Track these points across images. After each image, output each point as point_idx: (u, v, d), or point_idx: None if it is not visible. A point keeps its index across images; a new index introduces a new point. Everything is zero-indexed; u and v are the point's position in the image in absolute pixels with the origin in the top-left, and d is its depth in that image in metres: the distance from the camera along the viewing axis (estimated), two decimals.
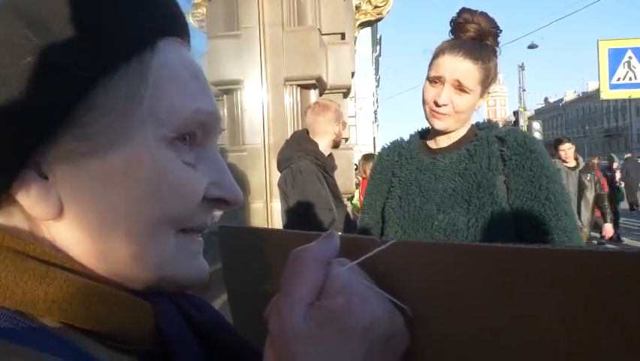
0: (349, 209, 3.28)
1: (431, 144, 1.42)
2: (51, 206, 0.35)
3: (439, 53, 1.34)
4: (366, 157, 6.19)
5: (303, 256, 0.37)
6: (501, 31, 1.37)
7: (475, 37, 1.33)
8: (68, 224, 0.37)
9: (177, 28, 0.41)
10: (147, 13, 0.38)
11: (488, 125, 1.39)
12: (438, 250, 0.36)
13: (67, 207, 0.36)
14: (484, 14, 1.36)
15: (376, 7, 5.38)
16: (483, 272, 0.32)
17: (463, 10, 1.36)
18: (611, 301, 0.26)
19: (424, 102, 1.36)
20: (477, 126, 1.40)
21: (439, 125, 1.34)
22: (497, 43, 1.38)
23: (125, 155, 0.37)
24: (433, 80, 1.33)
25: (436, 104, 1.31)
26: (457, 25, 1.36)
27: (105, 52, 0.35)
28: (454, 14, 1.37)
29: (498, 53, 1.37)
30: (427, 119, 1.37)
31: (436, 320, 0.36)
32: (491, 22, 1.35)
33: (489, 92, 1.38)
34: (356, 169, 5.67)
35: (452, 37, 1.37)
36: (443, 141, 1.39)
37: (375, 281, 0.37)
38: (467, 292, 0.34)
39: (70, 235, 0.37)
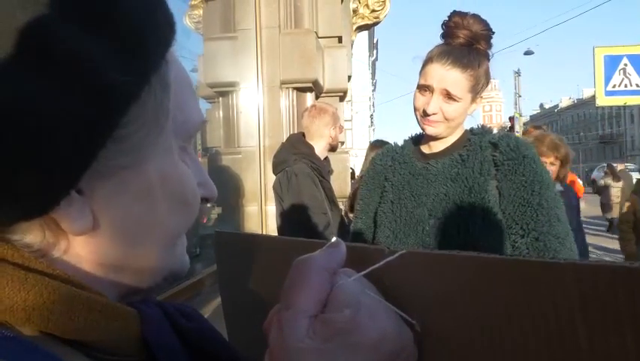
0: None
1: (424, 149, 1.42)
2: (87, 221, 0.33)
3: (427, 60, 1.33)
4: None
5: (306, 265, 0.35)
6: (494, 33, 1.34)
7: (464, 44, 1.31)
8: (97, 238, 0.34)
9: (175, 34, 0.38)
10: (164, 19, 0.36)
11: (482, 131, 1.38)
12: (448, 261, 0.34)
13: (101, 221, 0.34)
14: (475, 16, 1.33)
15: (373, 10, 5.39)
16: (497, 284, 0.31)
17: (454, 14, 1.34)
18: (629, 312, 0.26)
19: (414, 110, 1.37)
20: (470, 132, 1.40)
21: (430, 130, 1.34)
22: (490, 46, 1.35)
23: (157, 168, 0.36)
24: (422, 88, 1.33)
25: (426, 113, 1.31)
26: (448, 29, 1.34)
27: (142, 62, 0.33)
28: (446, 17, 1.35)
29: (490, 56, 1.35)
30: (419, 125, 1.37)
31: (446, 335, 0.34)
32: (483, 24, 1.33)
33: (482, 97, 1.37)
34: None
35: (442, 41, 1.35)
36: (436, 146, 1.39)
37: (382, 293, 0.36)
38: (479, 305, 0.32)
39: (93, 248, 0.35)
